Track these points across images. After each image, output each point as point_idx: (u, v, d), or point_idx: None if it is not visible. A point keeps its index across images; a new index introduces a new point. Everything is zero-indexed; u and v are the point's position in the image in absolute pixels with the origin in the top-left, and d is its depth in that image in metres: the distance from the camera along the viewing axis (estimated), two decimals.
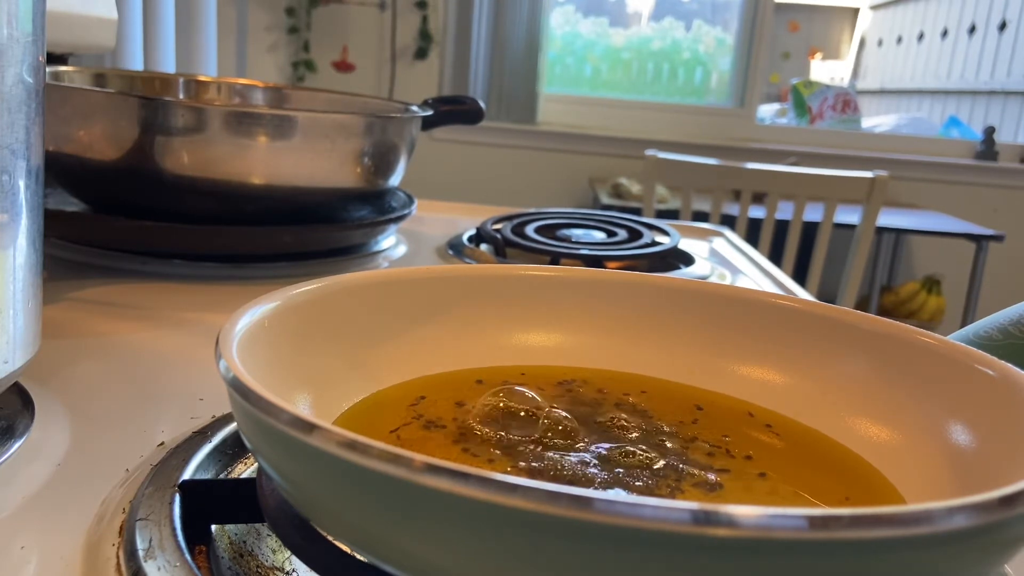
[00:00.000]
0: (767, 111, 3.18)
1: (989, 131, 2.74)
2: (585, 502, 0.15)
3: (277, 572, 0.25)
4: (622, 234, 0.71)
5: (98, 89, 0.65)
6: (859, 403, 0.29)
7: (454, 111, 0.74)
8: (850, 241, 1.93)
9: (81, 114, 0.53)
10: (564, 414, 0.29)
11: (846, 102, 2.91)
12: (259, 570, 0.24)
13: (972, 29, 3.15)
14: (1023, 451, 0.23)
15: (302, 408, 0.26)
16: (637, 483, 0.25)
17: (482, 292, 0.34)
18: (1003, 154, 2.76)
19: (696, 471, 0.26)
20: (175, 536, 0.24)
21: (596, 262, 0.63)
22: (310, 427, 0.17)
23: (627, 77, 3.00)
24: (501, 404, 0.29)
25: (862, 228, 1.84)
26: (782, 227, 1.87)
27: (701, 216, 1.83)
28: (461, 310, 0.33)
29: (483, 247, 0.69)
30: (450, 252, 0.67)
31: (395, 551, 0.18)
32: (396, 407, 0.29)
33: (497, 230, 0.69)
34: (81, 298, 0.49)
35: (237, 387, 0.20)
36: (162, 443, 0.31)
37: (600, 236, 0.71)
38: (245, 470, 0.29)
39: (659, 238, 0.72)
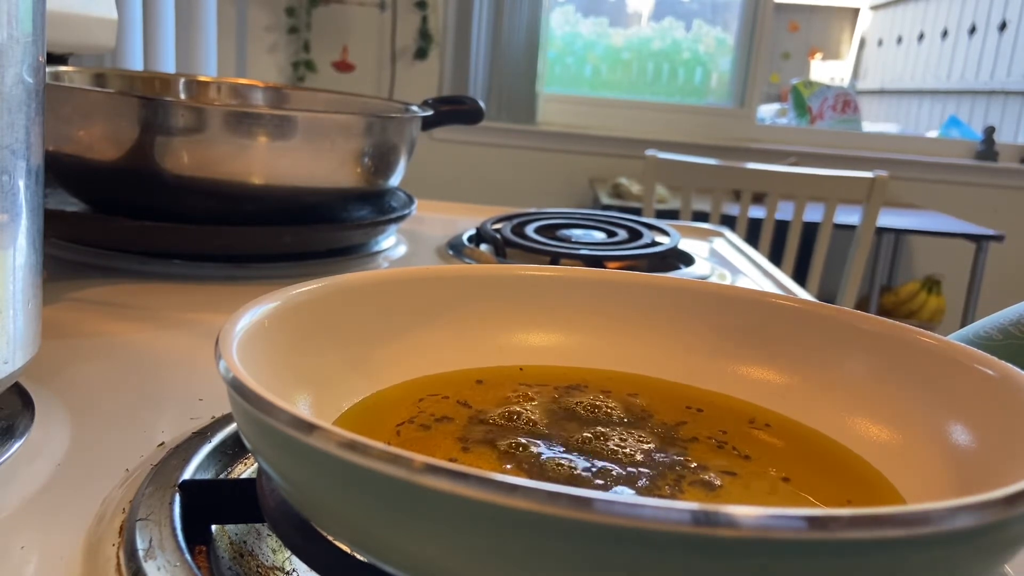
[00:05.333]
0: (767, 111, 3.18)
1: (989, 131, 2.74)
2: (585, 502, 0.15)
3: (277, 572, 0.25)
4: (622, 234, 0.71)
5: (98, 89, 0.65)
6: (859, 403, 0.29)
7: (454, 111, 0.74)
8: (850, 241, 1.93)
9: (81, 114, 0.53)
10: (565, 415, 0.29)
11: (846, 102, 2.91)
12: (259, 570, 0.24)
13: (972, 29, 3.15)
14: (1023, 451, 0.23)
15: (302, 408, 0.26)
16: (637, 483, 0.25)
17: (482, 292, 0.34)
18: (1003, 154, 2.76)
19: (696, 471, 0.26)
20: (175, 536, 0.24)
21: (596, 262, 0.63)
22: (310, 427, 0.17)
23: (627, 77, 3.00)
24: (503, 405, 0.29)
25: (862, 228, 1.84)
26: (782, 227, 1.87)
27: (701, 216, 1.83)
28: (461, 310, 0.33)
29: (483, 247, 0.69)
30: (450, 252, 0.67)
31: (395, 551, 0.18)
32: (396, 407, 0.29)
33: (497, 230, 0.69)
34: (81, 298, 0.49)
35: (237, 387, 0.20)
36: (162, 443, 0.31)
37: (600, 236, 0.71)
38: (245, 470, 0.29)
39: (659, 238, 0.72)
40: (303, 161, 0.56)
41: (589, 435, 0.27)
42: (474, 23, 2.66)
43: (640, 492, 0.24)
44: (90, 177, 0.57)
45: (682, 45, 2.99)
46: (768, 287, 0.68)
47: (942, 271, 2.63)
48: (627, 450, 0.27)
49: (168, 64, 1.63)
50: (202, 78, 0.80)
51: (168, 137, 0.53)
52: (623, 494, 0.24)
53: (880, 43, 4.00)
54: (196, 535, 0.25)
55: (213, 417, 0.33)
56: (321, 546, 0.21)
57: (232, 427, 0.31)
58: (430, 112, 0.69)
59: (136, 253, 0.56)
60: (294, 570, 0.25)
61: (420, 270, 0.33)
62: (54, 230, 0.54)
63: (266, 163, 0.55)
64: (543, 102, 2.73)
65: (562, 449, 0.26)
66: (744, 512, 0.14)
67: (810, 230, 1.88)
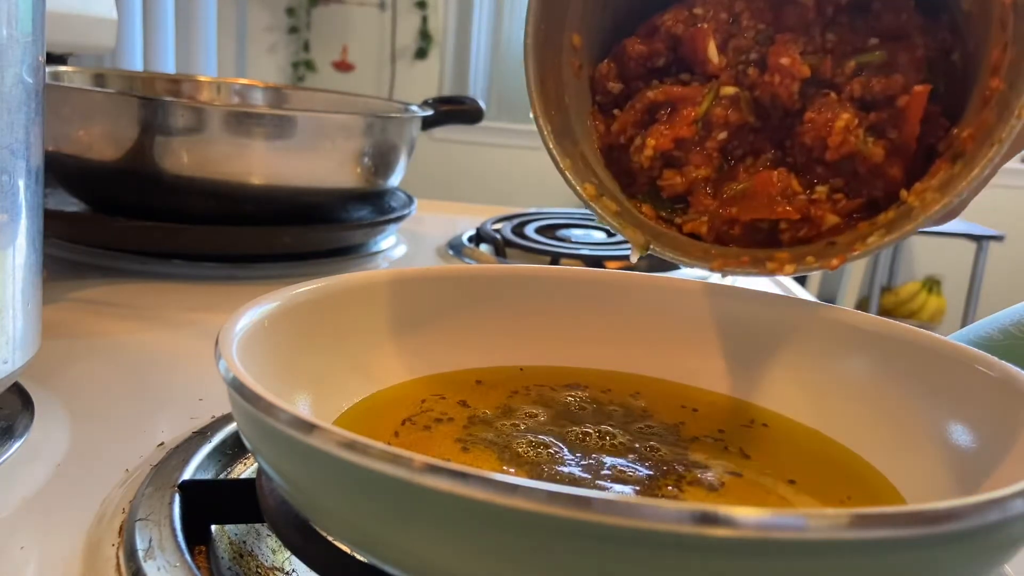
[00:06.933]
0: None
1: None
2: (584, 502, 0.15)
3: (277, 572, 0.25)
4: None
5: (98, 89, 0.65)
6: (859, 403, 0.29)
7: (454, 111, 0.74)
8: None
9: (81, 114, 0.53)
10: (564, 415, 0.29)
11: None
12: (259, 570, 0.25)
13: None
14: (1023, 451, 0.23)
15: (302, 408, 0.26)
16: (638, 483, 0.25)
17: (482, 292, 0.34)
18: None
19: (696, 471, 0.26)
20: (175, 536, 0.24)
21: (596, 262, 0.63)
22: (310, 427, 0.17)
23: None
24: (503, 405, 0.29)
25: None
26: None
27: None
28: (461, 310, 0.33)
29: (483, 247, 0.69)
30: (450, 252, 0.67)
31: (395, 551, 0.18)
32: (396, 407, 0.29)
33: (497, 230, 0.69)
34: (81, 298, 0.49)
35: (237, 387, 0.20)
36: (162, 443, 0.31)
37: (600, 236, 0.71)
38: (245, 470, 0.29)
39: None
40: (303, 161, 0.56)
41: (589, 435, 0.27)
42: (474, 23, 2.66)
43: (641, 492, 0.24)
44: (90, 177, 0.57)
45: None
46: (768, 287, 0.68)
47: (942, 271, 2.63)
48: (627, 450, 0.27)
49: (168, 64, 1.63)
50: (202, 78, 0.80)
51: (168, 137, 0.53)
52: (623, 494, 0.24)
53: None
54: (196, 535, 0.25)
55: (213, 417, 0.33)
56: (321, 546, 0.21)
57: (232, 427, 0.31)
58: (430, 112, 0.69)
59: (136, 253, 0.56)
60: (294, 570, 0.25)
61: (420, 270, 0.33)
62: (54, 230, 0.54)
63: (266, 163, 0.55)
64: None
65: (562, 449, 0.26)
66: (744, 512, 0.14)
67: None
